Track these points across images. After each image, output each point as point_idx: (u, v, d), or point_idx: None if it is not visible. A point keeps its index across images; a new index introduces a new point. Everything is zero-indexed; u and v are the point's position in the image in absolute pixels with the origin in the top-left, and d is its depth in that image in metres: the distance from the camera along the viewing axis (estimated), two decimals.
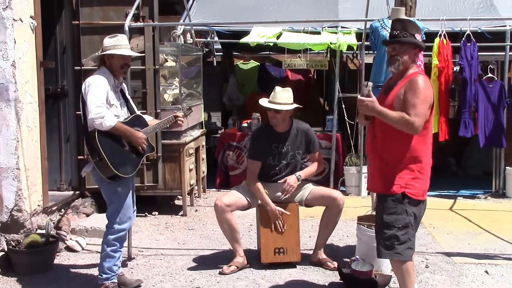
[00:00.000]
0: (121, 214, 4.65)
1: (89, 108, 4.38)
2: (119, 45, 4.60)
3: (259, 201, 5.22)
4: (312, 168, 5.34)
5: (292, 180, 5.16)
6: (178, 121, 4.92)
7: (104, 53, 4.60)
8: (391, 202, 3.93)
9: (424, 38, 6.11)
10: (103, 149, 4.41)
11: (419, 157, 3.92)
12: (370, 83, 3.98)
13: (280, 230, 5.15)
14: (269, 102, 5.20)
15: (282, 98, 5.17)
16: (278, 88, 5.25)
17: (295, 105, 5.22)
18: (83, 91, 4.50)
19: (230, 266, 5.15)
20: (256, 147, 5.32)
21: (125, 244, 5.01)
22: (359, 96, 3.96)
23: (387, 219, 3.93)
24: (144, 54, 6.62)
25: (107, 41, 4.63)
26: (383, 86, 4.38)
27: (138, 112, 4.90)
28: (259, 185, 5.20)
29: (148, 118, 5.01)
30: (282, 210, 5.17)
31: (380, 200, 4.06)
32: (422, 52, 6.45)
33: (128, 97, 4.88)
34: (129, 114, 4.75)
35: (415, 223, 4.00)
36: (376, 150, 4.06)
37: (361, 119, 4.18)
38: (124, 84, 4.90)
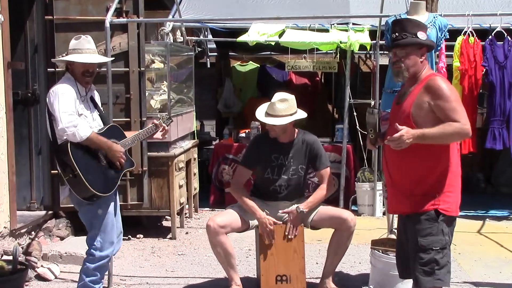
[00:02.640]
0: (102, 239, 4.63)
1: (59, 117, 4.37)
2: (80, 49, 4.61)
3: (255, 223, 5.19)
4: (319, 194, 5.27)
5: (292, 216, 5.13)
6: (160, 129, 4.90)
7: (62, 58, 4.69)
8: (425, 223, 3.95)
9: (447, 36, 6.13)
10: (77, 164, 4.39)
11: (446, 167, 3.96)
12: (375, 109, 4.08)
13: (270, 243, 5.11)
14: (266, 113, 5.19)
15: (279, 110, 5.14)
16: (275, 98, 5.19)
17: (294, 118, 5.16)
18: (48, 102, 4.50)
19: None
20: (252, 153, 5.34)
21: (105, 272, 4.98)
22: (388, 137, 3.89)
23: (422, 242, 3.95)
24: (124, 53, 6.63)
25: (71, 43, 4.66)
26: (395, 96, 4.39)
27: (111, 122, 4.91)
28: (243, 191, 5.26)
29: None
30: (274, 219, 5.15)
31: (410, 222, 4.06)
32: (445, 53, 6.52)
33: (99, 106, 4.87)
34: (102, 125, 4.75)
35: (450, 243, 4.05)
36: (396, 166, 4.08)
37: (369, 144, 4.35)
38: (95, 91, 4.87)
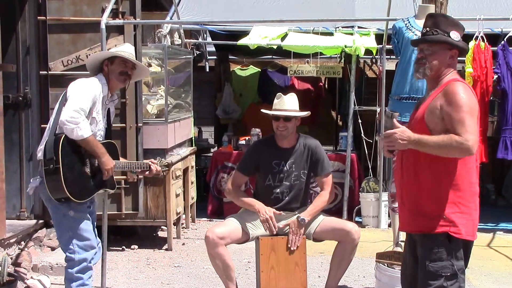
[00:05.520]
0: (79, 241, 4.58)
1: (66, 108, 4.38)
2: (123, 50, 4.76)
3: (256, 234, 5.20)
4: (320, 201, 5.27)
5: (294, 226, 5.11)
6: (152, 168, 4.91)
7: (104, 51, 4.72)
8: (435, 247, 3.78)
9: None
10: (62, 159, 4.39)
11: (458, 185, 3.77)
12: (396, 113, 3.85)
13: (273, 232, 5.10)
14: (275, 110, 5.21)
15: (290, 104, 5.20)
16: (281, 94, 5.28)
17: (306, 112, 5.26)
18: (69, 88, 4.54)
19: None
20: (251, 160, 5.34)
21: (98, 284, 4.98)
22: (380, 135, 3.81)
23: (431, 268, 3.77)
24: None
25: (113, 49, 4.85)
26: (418, 100, 4.29)
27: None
28: (240, 192, 5.31)
29: None
30: (274, 210, 5.15)
31: (419, 244, 3.91)
32: None
33: (111, 118, 4.92)
34: (104, 138, 4.79)
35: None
36: (406, 180, 3.94)
37: (385, 152, 4.04)
38: (113, 106, 4.94)
